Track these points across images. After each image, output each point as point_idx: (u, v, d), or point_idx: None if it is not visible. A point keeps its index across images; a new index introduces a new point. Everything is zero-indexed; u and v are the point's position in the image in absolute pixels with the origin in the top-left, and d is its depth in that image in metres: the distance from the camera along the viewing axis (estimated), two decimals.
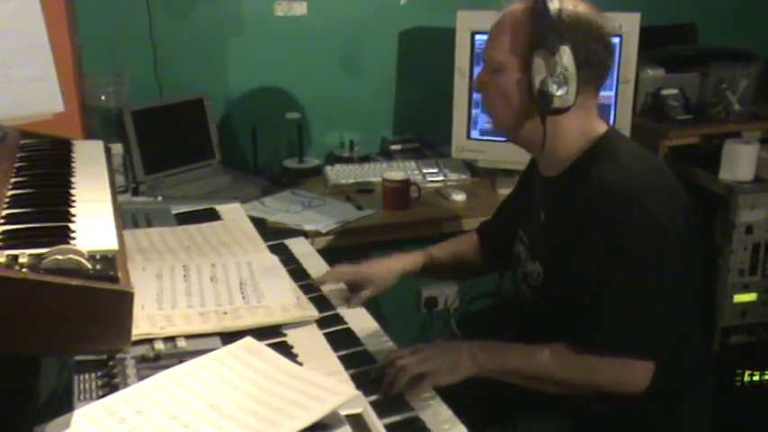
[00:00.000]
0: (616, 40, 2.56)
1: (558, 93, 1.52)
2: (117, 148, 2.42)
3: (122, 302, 1.08)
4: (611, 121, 2.60)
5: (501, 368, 1.54)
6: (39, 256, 1.11)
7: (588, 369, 1.51)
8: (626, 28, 2.53)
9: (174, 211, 2.13)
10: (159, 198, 2.44)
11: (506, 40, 1.58)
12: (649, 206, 1.48)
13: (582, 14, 1.56)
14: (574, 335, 1.52)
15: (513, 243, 1.83)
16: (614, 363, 1.50)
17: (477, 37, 2.61)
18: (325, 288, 1.80)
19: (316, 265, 1.93)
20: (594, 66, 1.57)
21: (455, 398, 1.44)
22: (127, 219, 2.00)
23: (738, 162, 2.56)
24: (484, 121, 2.68)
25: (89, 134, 2.33)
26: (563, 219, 1.60)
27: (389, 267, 1.87)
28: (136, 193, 2.53)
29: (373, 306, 1.78)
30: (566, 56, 1.51)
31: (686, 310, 1.61)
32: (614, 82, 2.58)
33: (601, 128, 1.63)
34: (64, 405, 1.23)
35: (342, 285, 1.82)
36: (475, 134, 2.72)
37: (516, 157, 2.03)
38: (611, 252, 1.49)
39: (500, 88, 1.60)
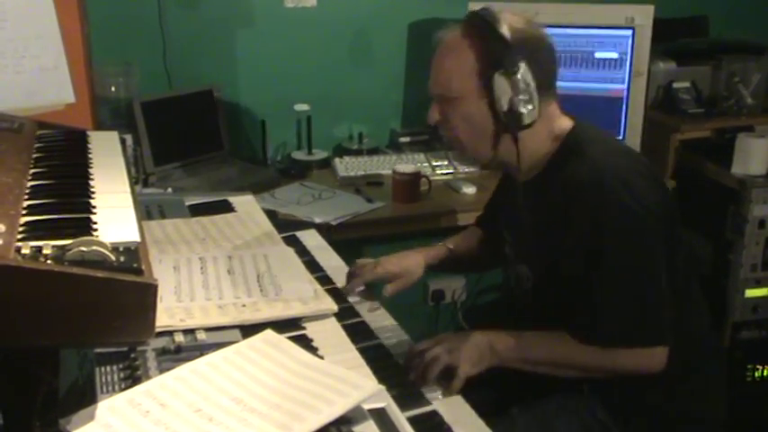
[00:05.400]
0: (628, 32, 2.56)
1: (525, 109, 1.54)
2: (127, 140, 2.42)
3: (147, 294, 1.08)
4: (623, 115, 2.60)
5: (519, 357, 1.56)
6: (62, 247, 1.10)
7: (606, 356, 1.54)
8: (639, 20, 2.52)
9: (187, 203, 2.12)
10: (169, 190, 2.43)
11: (457, 68, 1.58)
12: (624, 199, 1.51)
13: (525, 29, 1.57)
14: (576, 333, 1.55)
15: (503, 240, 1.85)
16: (630, 350, 1.55)
17: None
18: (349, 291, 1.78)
19: (329, 258, 1.93)
20: (547, 74, 1.59)
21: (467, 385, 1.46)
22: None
23: (751, 156, 2.56)
24: None
25: (98, 125, 2.32)
26: (543, 221, 1.63)
27: (417, 261, 1.90)
28: (145, 184, 2.52)
29: (378, 300, 1.78)
30: (525, 72, 1.52)
31: (681, 282, 1.63)
32: (627, 75, 2.57)
33: (566, 124, 1.65)
34: (86, 397, 1.22)
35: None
36: None
37: None
38: (596, 251, 1.52)
39: (463, 117, 1.60)
